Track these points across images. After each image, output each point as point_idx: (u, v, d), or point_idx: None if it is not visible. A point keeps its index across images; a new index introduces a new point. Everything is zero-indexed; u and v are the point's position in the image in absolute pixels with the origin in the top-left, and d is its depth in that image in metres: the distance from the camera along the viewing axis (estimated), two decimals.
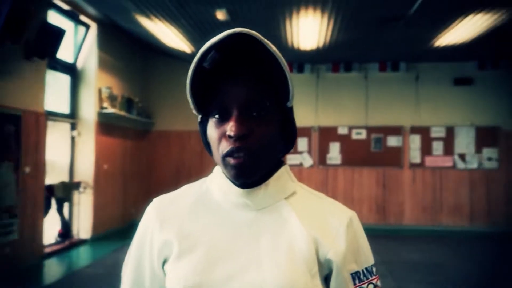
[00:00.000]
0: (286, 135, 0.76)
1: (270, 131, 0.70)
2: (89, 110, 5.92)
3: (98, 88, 6.01)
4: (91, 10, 5.60)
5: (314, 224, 0.72)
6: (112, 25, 6.01)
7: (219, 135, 0.70)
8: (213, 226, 0.73)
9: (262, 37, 0.64)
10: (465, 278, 4.44)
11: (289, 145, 0.77)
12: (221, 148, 0.69)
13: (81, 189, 5.83)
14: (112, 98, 6.18)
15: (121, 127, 6.70)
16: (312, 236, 0.71)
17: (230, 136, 0.67)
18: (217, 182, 0.77)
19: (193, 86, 0.69)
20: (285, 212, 0.73)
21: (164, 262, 0.75)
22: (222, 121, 0.70)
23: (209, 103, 0.72)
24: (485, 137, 7.08)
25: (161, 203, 0.80)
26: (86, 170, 5.87)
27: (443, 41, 5.98)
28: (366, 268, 0.73)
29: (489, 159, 7.07)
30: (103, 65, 6.16)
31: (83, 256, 5.39)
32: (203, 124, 0.76)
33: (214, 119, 0.71)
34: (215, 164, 0.77)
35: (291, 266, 0.68)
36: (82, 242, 5.74)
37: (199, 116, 0.76)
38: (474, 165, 7.09)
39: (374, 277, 0.73)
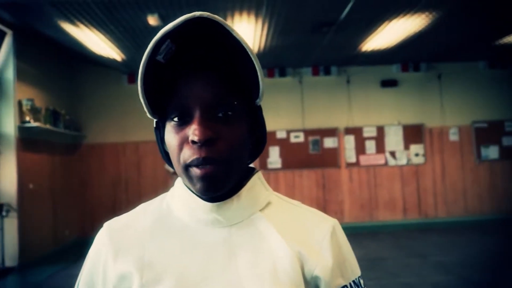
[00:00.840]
0: (255, 138, 0.67)
1: (239, 134, 0.61)
2: (8, 125, 5.38)
3: (18, 101, 5.49)
4: (6, 16, 5.11)
5: (295, 237, 0.64)
6: (32, 32, 5.54)
7: (180, 141, 0.60)
8: (181, 250, 0.62)
9: (226, 22, 0.56)
10: (404, 270, 4.67)
11: (259, 149, 0.69)
12: (183, 156, 0.59)
13: (3, 213, 5.27)
14: (34, 111, 5.68)
15: (47, 142, 6.18)
16: (296, 252, 0.63)
17: (193, 142, 0.57)
18: (180, 197, 0.66)
19: (146, 84, 0.58)
20: (262, 226, 0.64)
21: None
22: (183, 124, 0.60)
23: (166, 103, 0.61)
24: (411, 134, 7.57)
25: (114, 227, 0.67)
26: (8, 191, 5.32)
27: (370, 45, 6.32)
28: (353, 281, 0.67)
29: (416, 154, 7.56)
30: (23, 75, 5.64)
31: (11, 287, 4.87)
32: (160, 130, 0.66)
33: (172, 123, 0.61)
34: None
35: (276, 286, 0.60)
36: (8, 271, 5.17)
37: (155, 121, 0.65)
38: (404, 161, 7.54)
39: None
